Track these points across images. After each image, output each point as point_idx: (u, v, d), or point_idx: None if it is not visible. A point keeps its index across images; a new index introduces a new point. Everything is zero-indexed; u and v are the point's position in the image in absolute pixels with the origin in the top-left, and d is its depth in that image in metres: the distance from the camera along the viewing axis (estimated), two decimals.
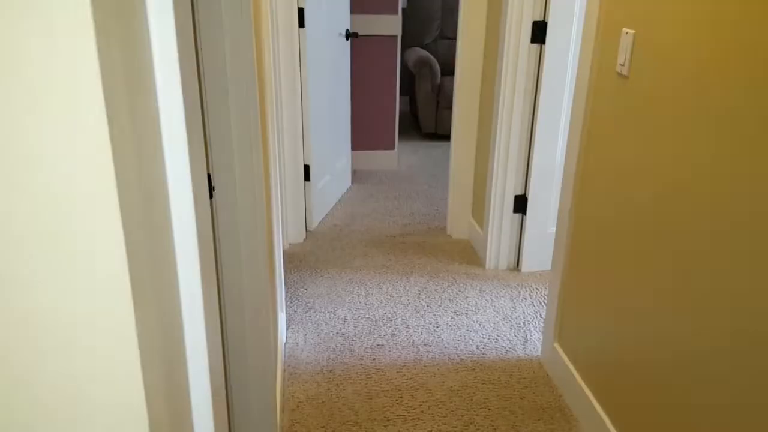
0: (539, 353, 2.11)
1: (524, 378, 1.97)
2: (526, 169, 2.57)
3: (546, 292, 2.54)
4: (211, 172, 1.08)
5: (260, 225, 1.17)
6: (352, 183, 3.87)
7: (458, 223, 3.05)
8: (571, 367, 1.82)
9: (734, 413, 1.11)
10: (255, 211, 1.15)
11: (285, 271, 2.70)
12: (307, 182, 2.98)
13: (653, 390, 1.37)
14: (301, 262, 2.81)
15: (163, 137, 0.56)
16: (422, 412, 1.80)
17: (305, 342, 2.17)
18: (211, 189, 1.10)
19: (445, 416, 1.78)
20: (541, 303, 2.45)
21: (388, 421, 1.76)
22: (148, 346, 0.50)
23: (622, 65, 1.51)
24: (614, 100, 1.56)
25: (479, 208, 2.88)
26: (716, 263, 1.15)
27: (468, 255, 2.90)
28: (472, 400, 1.86)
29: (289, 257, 2.85)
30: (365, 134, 4.05)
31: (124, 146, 0.44)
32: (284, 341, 2.15)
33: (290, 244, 2.98)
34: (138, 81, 0.49)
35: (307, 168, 2.95)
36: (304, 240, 3.02)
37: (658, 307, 1.35)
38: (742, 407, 1.09)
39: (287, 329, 2.24)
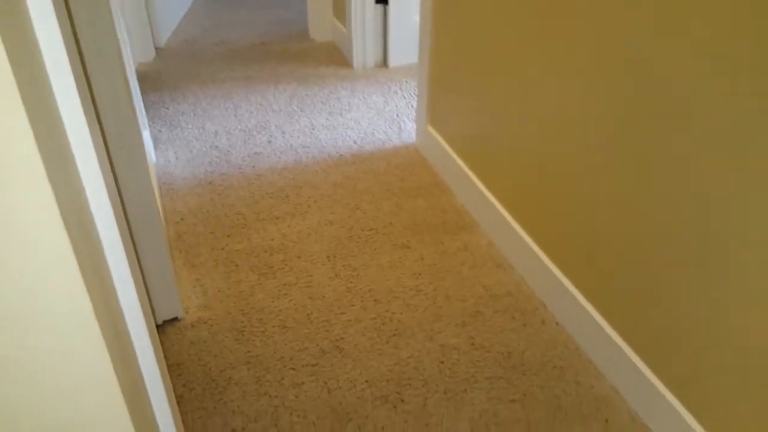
0: (414, 140, 2.19)
1: (402, 163, 2.06)
2: None
3: (416, 84, 2.56)
4: None
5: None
6: None
7: (321, 24, 2.90)
8: (445, 146, 1.91)
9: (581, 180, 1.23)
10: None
11: (140, 92, 2.47)
12: None
13: (518, 159, 1.49)
14: (155, 81, 2.57)
15: None
16: (309, 206, 1.84)
17: (177, 158, 2.07)
18: None
19: (331, 206, 1.84)
20: (411, 95, 2.49)
21: (277, 218, 1.79)
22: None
23: None
24: None
25: (341, 5, 2.74)
26: (582, 41, 1.19)
27: (335, 57, 2.81)
28: (355, 189, 1.92)
29: (142, 77, 2.60)
30: None
31: None
32: (154, 161, 2.04)
33: (140, 63, 2.70)
34: None
35: None
36: (155, 58, 2.75)
37: (520, 85, 1.41)
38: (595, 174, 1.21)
39: (155, 149, 2.11)
